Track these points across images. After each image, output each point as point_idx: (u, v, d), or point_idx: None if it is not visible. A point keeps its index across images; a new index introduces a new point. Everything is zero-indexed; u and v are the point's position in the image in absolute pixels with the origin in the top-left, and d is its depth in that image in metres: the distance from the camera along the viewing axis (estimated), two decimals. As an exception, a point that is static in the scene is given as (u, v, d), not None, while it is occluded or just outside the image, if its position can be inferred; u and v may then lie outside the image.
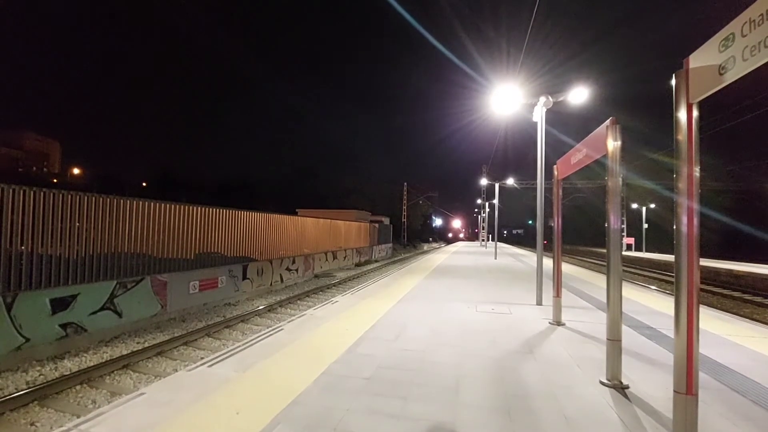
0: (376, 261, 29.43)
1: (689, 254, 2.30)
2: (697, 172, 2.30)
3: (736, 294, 15.04)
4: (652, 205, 43.13)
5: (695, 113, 2.28)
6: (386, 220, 42.80)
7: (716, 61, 2.08)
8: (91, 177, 64.41)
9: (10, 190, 6.43)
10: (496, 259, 21.15)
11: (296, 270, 16.45)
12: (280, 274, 15.04)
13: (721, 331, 5.76)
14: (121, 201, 8.45)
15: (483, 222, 43.44)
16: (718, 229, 41.20)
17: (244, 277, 12.51)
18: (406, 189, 56.93)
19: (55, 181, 63.03)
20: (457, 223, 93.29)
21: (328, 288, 14.82)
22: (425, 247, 57.83)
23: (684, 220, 2.31)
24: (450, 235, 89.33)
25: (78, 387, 5.51)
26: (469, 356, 4.45)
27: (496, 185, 26.61)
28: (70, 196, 7.38)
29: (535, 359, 4.40)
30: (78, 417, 3.80)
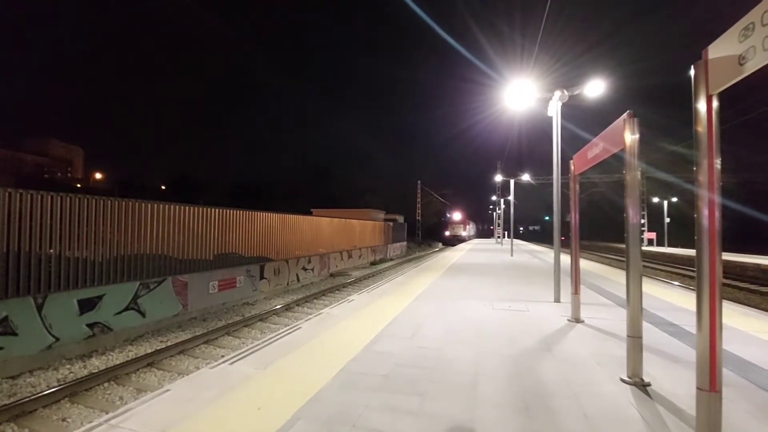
0: (391, 259, 29.46)
1: (711, 248, 2.25)
2: (718, 164, 2.25)
3: (764, 289, 14.53)
4: (674, 199, 41.94)
5: (715, 104, 2.24)
6: (400, 219, 42.82)
7: (736, 52, 2.03)
8: (112, 181, 66.26)
9: (39, 196, 6.69)
10: (512, 256, 20.93)
11: (312, 269, 16.62)
12: (297, 274, 15.22)
13: (748, 328, 5.60)
14: (143, 204, 8.69)
15: (498, 219, 42.99)
16: (732, 215, 40.14)
17: (262, 277, 12.71)
18: (419, 187, 56.80)
19: (78, 186, 65.05)
20: (458, 216, 60.69)
21: (344, 287, 14.93)
22: (440, 245, 57.56)
23: (705, 213, 2.27)
24: (447, 233, 58.65)
25: (106, 384, 5.71)
26: (486, 354, 4.44)
27: (512, 181, 26.27)
28: (94, 201, 7.64)
29: (553, 357, 4.36)
30: (107, 413, 3.95)
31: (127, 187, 56.73)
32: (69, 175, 76.58)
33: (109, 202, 7.95)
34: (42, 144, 73.97)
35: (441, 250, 40.49)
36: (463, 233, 58.78)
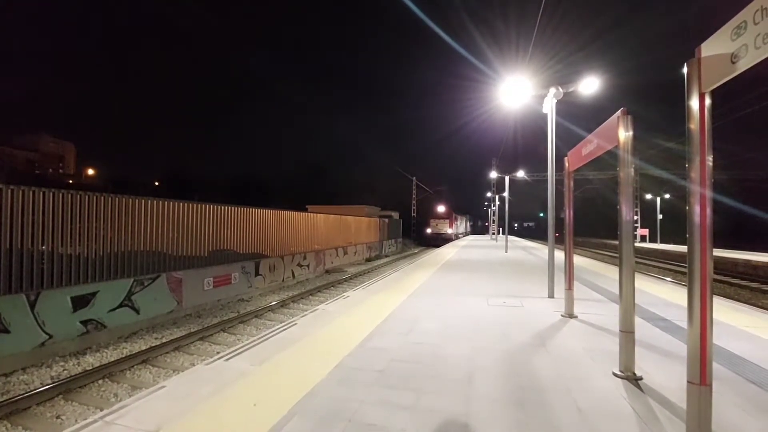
0: (387, 256, 29.52)
1: (702, 244, 2.28)
2: (709, 161, 2.28)
3: (754, 285, 14.74)
4: (667, 196, 42.34)
5: (707, 102, 2.26)
6: (396, 215, 42.71)
7: (728, 50, 2.05)
8: (105, 177, 65.61)
9: (30, 192, 6.62)
10: (506, 252, 21.04)
11: (307, 266, 16.61)
12: (292, 270, 15.20)
13: (738, 323, 5.68)
14: (136, 201, 8.63)
15: (493, 215, 43.16)
16: (725, 212, 40.69)
17: (257, 274, 12.68)
18: (415, 184, 56.81)
19: (70, 182, 64.18)
20: (441, 209, 47.62)
21: (339, 283, 14.94)
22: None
23: (697, 209, 2.29)
24: (429, 230, 46.64)
25: (100, 381, 5.69)
26: (482, 349, 4.47)
27: (506, 178, 26.38)
28: (87, 197, 7.57)
29: (547, 352, 4.40)
30: (101, 410, 3.94)
31: (120, 183, 56.20)
32: (61, 171, 75.59)
33: (102, 198, 7.88)
34: (33, 139, 72.84)
35: (436, 246, 40.43)
36: (449, 230, 46.06)
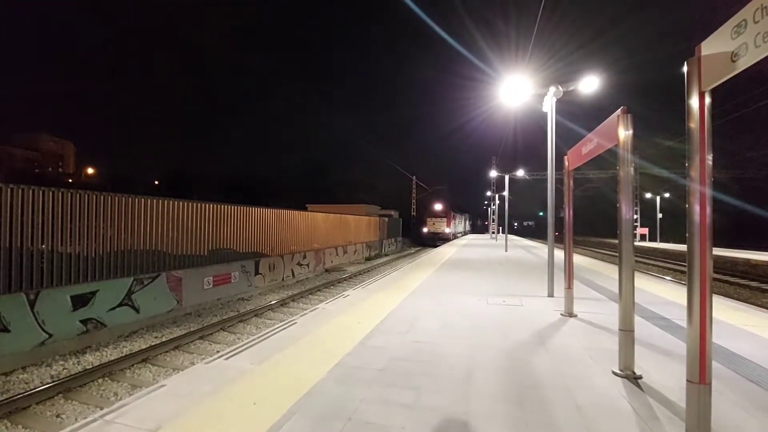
0: (386, 255, 29.51)
1: (702, 243, 2.28)
2: (709, 159, 2.28)
3: (754, 284, 14.76)
4: (667, 195, 42.33)
5: (707, 100, 2.26)
6: (395, 214, 42.64)
7: (728, 48, 2.05)
8: (104, 176, 65.49)
9: (30, 191, 6.61)
10: (506, 251, 21.04)
11: (307, 265, 16.61)
12: (292, 269, 15.21)
13: (737, 321, 5.69)
14: (136, 199, 8.62)
15: (493, 214, 43.14)
16: (725, 210, 40.76)
17: (257, 273, 12.69)
18: (414, 183, 56.85)
19: (70, 181, 64.23)
20: (438, 206, 44.33)
21: (339, 282, 14.94)
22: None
23: (696, 208, 2.30)
24: (425, 229, 43.65)
25: (100, 380, 5.70)
26: (481, 348, 4.47)
27: (506, 177, 26.37)
28: (87, 196, 7.56)
29: (546, 350, 4.41)
30: (101, 409, 3.94)
31: (119, 182, 56.05)
32: (60, 170, 75.58)
33: (102, 197, 7.88)
34: (33, 138, 72.78)
35: (436, 245, 40.30)
36: (447, 229, 43.17)
